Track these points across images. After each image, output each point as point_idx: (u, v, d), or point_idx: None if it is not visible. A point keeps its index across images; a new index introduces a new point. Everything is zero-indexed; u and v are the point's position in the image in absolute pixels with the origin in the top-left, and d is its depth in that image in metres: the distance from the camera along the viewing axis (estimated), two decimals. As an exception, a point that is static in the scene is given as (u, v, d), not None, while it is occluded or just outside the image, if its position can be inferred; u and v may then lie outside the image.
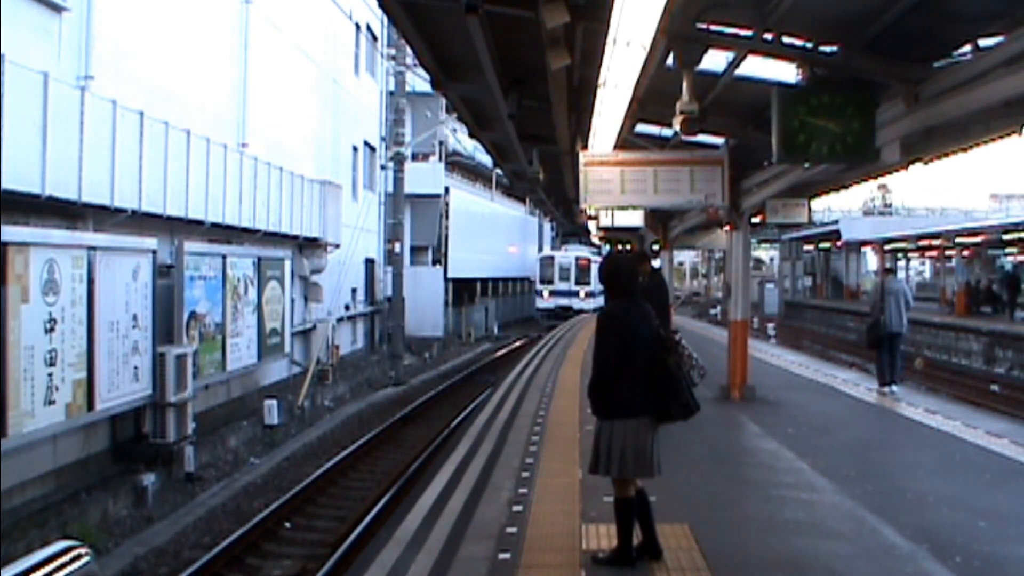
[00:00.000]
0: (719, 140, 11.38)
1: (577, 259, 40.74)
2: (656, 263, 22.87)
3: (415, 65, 22.15)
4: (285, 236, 18.24)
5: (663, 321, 5.54)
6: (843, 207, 59.24)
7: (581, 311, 37.71)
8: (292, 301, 18.23)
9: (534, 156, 15.26)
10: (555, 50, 7.27)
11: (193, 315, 13.16)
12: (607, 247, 28.45)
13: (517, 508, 6.31)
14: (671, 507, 5.94)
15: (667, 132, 11.46)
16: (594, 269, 38.49)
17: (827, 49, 7.60)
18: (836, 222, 45.69)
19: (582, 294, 40.09)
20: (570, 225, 41.01)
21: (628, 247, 24.43)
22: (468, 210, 35.93)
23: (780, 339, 33.06)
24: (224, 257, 14.41)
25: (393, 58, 25.41)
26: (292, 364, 18.98)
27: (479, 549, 5.42)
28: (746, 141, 10.49)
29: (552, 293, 40.21)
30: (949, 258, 36.41)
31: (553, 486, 6.96)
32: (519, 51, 8.61)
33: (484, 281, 39.82)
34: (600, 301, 34.56)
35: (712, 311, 44.93)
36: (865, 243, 42.45)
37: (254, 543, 9.95)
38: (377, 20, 26.75)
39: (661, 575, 4.89)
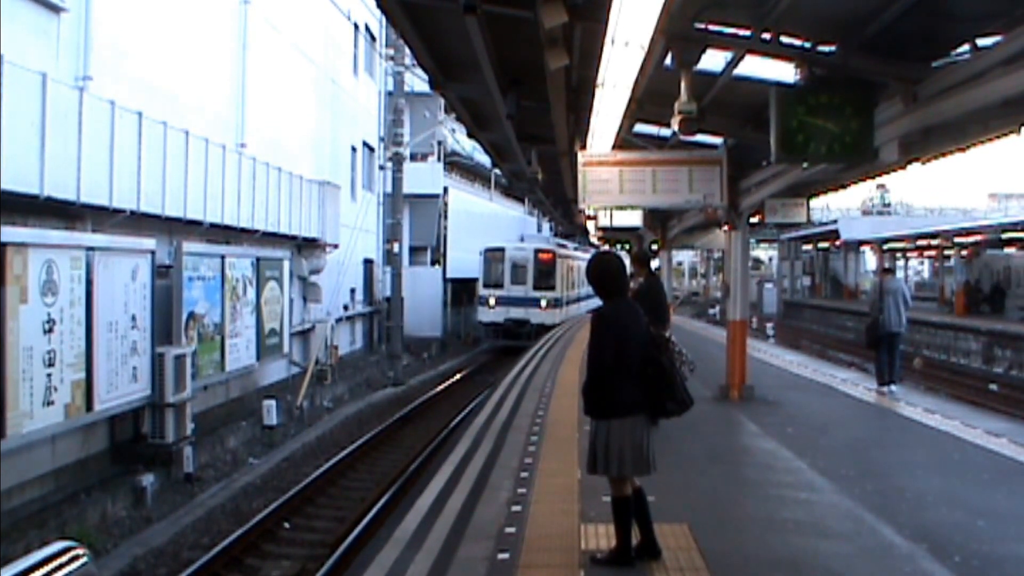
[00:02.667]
0: (718, 140, 11.38)
1: (537, 253, 30.01)
2: (655, 263, 22.96)
3: (413, 65, 22.14)
4: (284, 236, 18.24)
5: (660, 323, 5.56)
6: (842, 206, 59.27)
7: (542, 326, 27.94)
8: (291, 301, 18.22)
9: (533, 156, 15.26)
10: (553, 50, 7.26)
11: (192, 315, 13.15)
12: (606, 247, 28.28)
13: (516, 508, 6.31)
14: (670, 507, 5.95)
15: (666, 132, 11.45)
16: (563, 267, 30.48)
17: (825, 49, 7.60)
18: (835, 222, 45.76)
19: (544, 303, 29.09)
20: (569, 225, 37.85)
21: (628, 248, 24.44)
22: (467, 210, 35.72)
23: (779, 339, 33.08)
24: (223, 257, 14.40)
25: (392, 58, 25.40)
26: (291, 364, 18.97)
27: (478, 549, 5.42)
28: (745, 141, 10.49)
29: (501, 301, 29.02)
30: (948, 258, 36.44)
31: (552, 486, 6.96)
32: (517, 51, 8.61)
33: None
34: (569, 312, 30.38)
35: (711, 311, 44.97)
36: (864, 243, 42.50)
37: (253, 543, 9.95)
38: (375, 20, 26.74)
39: (660, 575, 4.89)
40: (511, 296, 28.97)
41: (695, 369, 5.26)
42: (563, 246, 34.30)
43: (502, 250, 29.98)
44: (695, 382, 5.25)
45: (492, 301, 29.09)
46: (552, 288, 29.44)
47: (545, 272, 29.55)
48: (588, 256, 35.49)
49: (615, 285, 5.05)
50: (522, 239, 32.06)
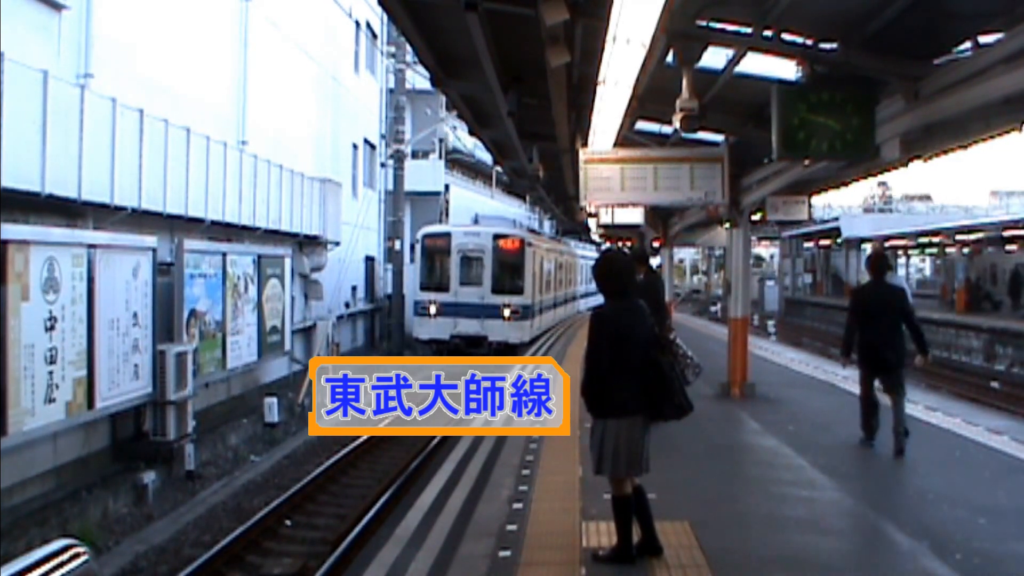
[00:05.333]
0: (719, 137, 11.38)
1: (497, 240, 21.56)
2: (656, 260, 22.95)
3: (415, 63, 22.14)
4: (285, 234, 18.24)
5: (658, 321, 5.56)
6: (843, 204, 59.28)
7: (505, 345, 20.39)
8: (292, 299, 18.23)
9: (534, 153, 15.25)
10: (555, 48, 7.26)
11: (193, 313, 13.16)
12: (607, 244, 28.13)
13: (517, 506, 6.32)
14: (671, 504, 5.95)
15: (667, 129, 11.45)
16: (535, 260, 22.56)
17: (827, 46, 7.59)
18: (836, 219, 45.69)
19: (507, 312, 20.88)
20: (570, 223, 36.60)
21: (629, 245, 24.38)
22: (468, 208, 35.66)
23: (780, 336, 33.08)
24: (224, 255, 14.40)
25: (393, 56, 25.41)
26: (292, 362, 18.98)
27: (479, 547, 5.43)
28: (746, 138, 10.49)
29: (446, 310, 20.98)
30: (947, 254, 36.43)
31: (553, 484, 6.97)
32: (519, 49, 8.61)
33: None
34: (544, 322, 23.73)
35: (712, 308, 44.94)
36: (865, 240, 42.45)
37: (254, 541, 9.96)
38: (377, 18, 26.73)
39: (661, 572, 4.89)
40: (460, 303, 20.91)
41: (701, 373, 5.20)
42: (536, 233, 26.75)
43: (447, 236, 21.83)
44: (696, 380, 5.24)
45: (433, 309, 20.96)
46: (519, 291, 21.30)
47: (509, 268, 21.48)
48: (571, 248, 34.91)
49: (619, 285, 5.04)
50: (476, 221, 23.88)
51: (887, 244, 38.86)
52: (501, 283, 21.27)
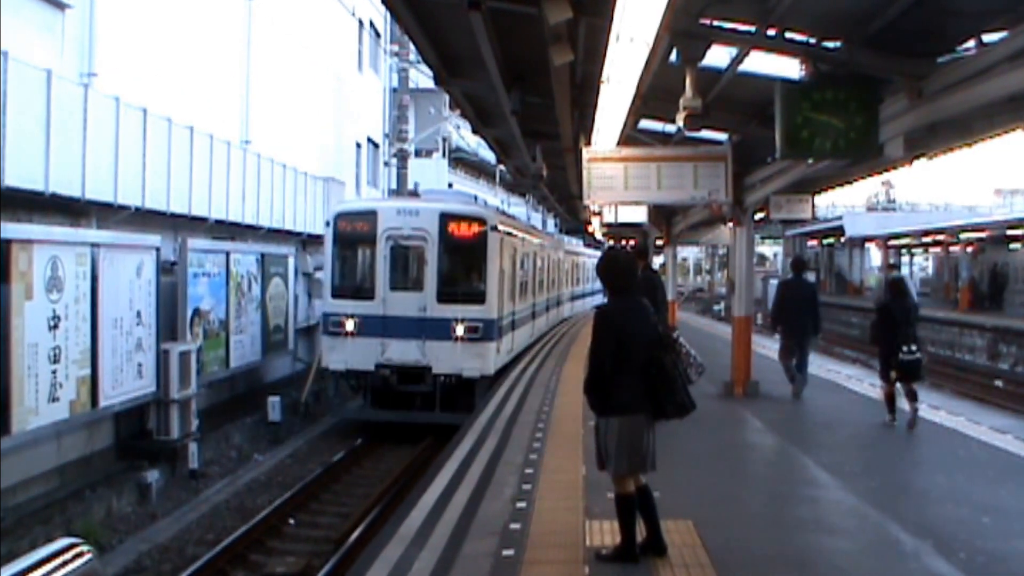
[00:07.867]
0: (722, 136, 11.36)
1: (446, 221, 14.45)
2: (660, 259, 22.91)
3: (418, 62, 22.13)
4: (289, 233, 18.26)
5: (658, 319, 5.56)
6: (847, 203, 59.21)
7: (459, 378, 14.21)
8: (296, 298, 18.24)
9: (537, 152, 15.23)
10: (558, 46, 7.24)
11: (197, 312, 13.18)
12: (609, 243, 28.02)
13: (521, 504, 6.32)
14: (675, 503, 5.94)
15: (670, 128, 11.42)
16: (504, 252, 15.42)
17: (830, 45, 7.58)
18: (840, 218, 45.64)
19: (461, 329, 14.07)
20: (573, 221, 35.63)
21: (632, 243, 24.30)
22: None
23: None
24: (228, 254, 14.41)
25: (396, 54, 25.38)
26: (296, 361, 18.98)
27: (483, 545, 5.43)
28: (749, 137, 10.48)
29: (368, 326, 14.18)
30: (952, 254, 36.39)
31: (557, 482, 6.96)
32: (522, 47, 8.60)
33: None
34: (517, 342, 17.78)
35: (715, 307, 44.86)
36: (869, 239, 42.41)
37: (258, 540, 9.96)
38: (380, 16, 26.76)
39: (665, 572, 4.89)
40: (390, 317, 14.25)
41: (704, 371, 5.17)
42: (506, 215, 20.64)
43: (371, 216, 14.71)
44: (699, 379, 5.22)
45: (350, 326, 14.32)
46: (479, 298, 14.58)
47: (465, 263, 15.08)
48: (558, 239, 33.84)
49: (621, 282, 5.06)
50: (415, 192, 18.01)
51: (891, 242, 38.86)
52: (452, 286, 14.64)
